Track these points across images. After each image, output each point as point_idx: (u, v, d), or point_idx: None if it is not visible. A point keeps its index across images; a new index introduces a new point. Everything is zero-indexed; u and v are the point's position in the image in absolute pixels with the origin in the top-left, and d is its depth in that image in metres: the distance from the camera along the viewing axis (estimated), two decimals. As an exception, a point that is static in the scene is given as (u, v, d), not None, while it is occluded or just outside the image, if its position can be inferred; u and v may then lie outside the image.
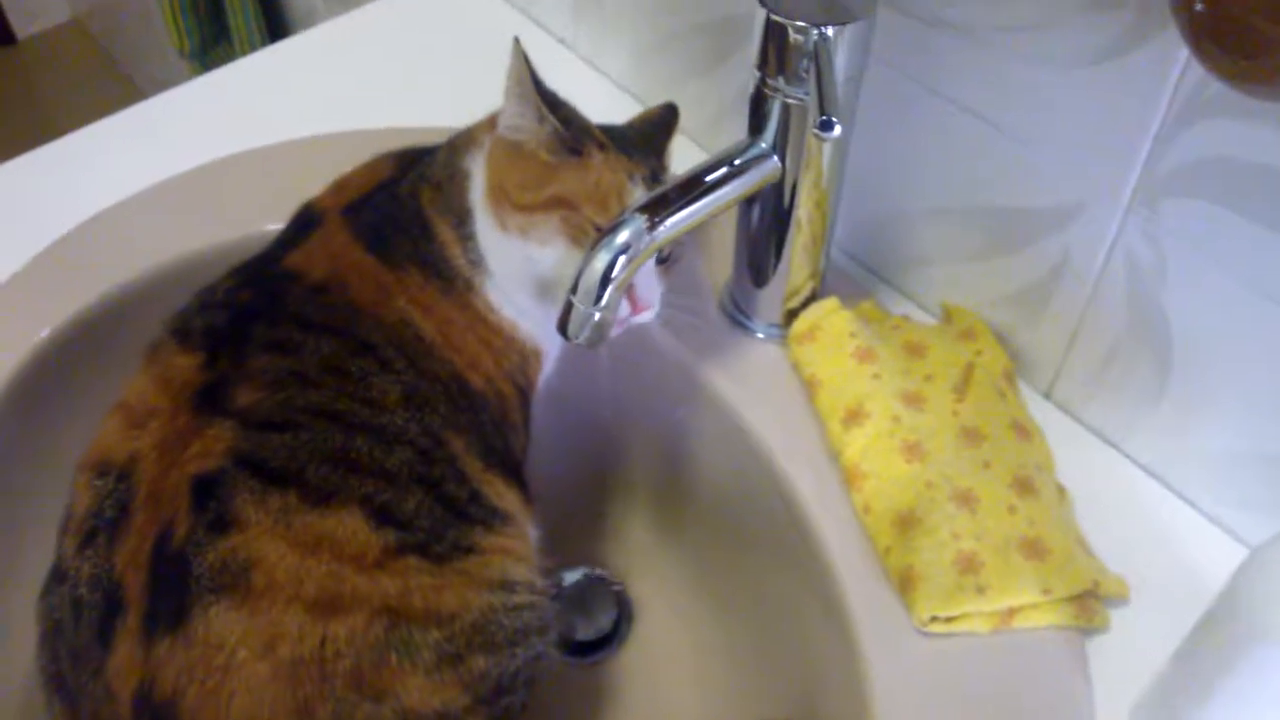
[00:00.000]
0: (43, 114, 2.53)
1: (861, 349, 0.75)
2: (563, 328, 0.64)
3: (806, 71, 0.62)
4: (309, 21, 1.49)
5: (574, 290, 0.63)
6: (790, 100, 0.65)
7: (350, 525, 0.60)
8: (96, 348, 0.79)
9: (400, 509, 0.62)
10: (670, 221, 0.63)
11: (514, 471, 0.72)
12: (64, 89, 2.56)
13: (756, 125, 0.67)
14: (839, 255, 0.85)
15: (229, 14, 1.50)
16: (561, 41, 1.04)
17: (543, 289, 0.69)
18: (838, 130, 0.56)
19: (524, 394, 0.74)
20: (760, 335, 0.80)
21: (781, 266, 0.75)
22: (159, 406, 0.63)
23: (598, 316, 0.63)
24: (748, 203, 0.73)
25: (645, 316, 0.70)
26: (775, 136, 0.67)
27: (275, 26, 1.56)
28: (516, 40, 0.66)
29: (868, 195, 0.80)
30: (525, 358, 0.73)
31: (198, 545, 0.57)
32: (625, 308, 0.69)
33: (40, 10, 2.67)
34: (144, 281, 0.82)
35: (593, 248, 0.62)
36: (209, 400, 0.62)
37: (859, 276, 0.85)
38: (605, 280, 0.62)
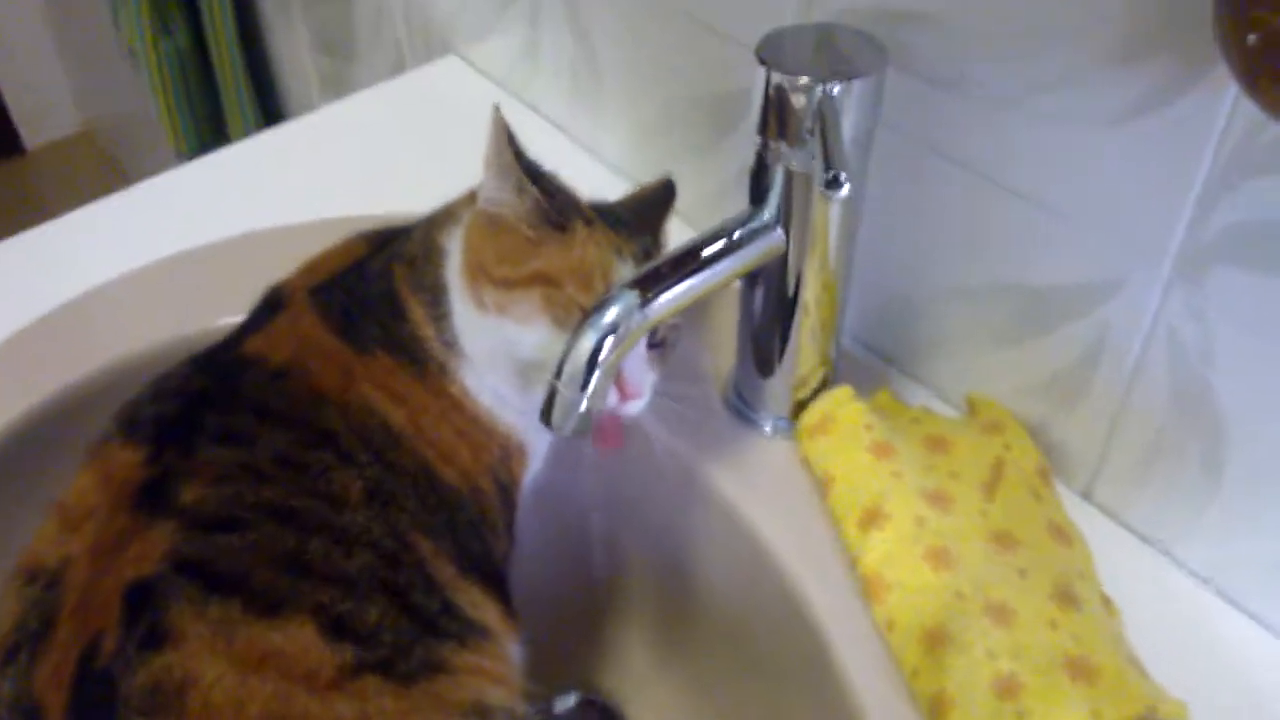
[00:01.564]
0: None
1: (879, 443, 0.68)
2: (545, 416, 0.57)
3: (811, 133, 0.56)
4: (307, 119, 1.47)
5: (557, 374, 0.57)
6: (794, 167, 0.59)
7: (301, 639, 0.53)
8: (43, 450, 0.73)
9: (360, 621, 0.55)
10: (664, 299, 0.57)
11: (494, 580, 0.64)
12: (72, 198, 2.54)
13: (758, 196, 0.62)
14: (850, 342, 0.79)
15: (226, 112, 1.48)
16: (558, 126, 1.00)
17: (524, 374, 0.63)
18: (846, 189, 0.50)
19: (506, 493, 0.67)
20: (767, 429, 0.73)
21: (788, 353, 0.69)
22: (96, 505, 0.56)
23: (584, 405, 0.56)
24: (750, 284, 0.68)
25: (634, 407, 0.64)
26: (779, 208, 0.61)
27: (273, 123, 1.54)
28: (496, 108, 0.61)
29: (880, 275, 0.75)
30: (507, 451, 0.67)
31: (126, 663, 0.50)
32: (613, 395, 0.63)
33: (49, 121, 2.68)
34: (100, 378, 0.76)
35: (579, 327, 0.56)
36: (151, 498, 0.56)
37: (873, 365, 0.78)
38: (592, 364, 0.56)
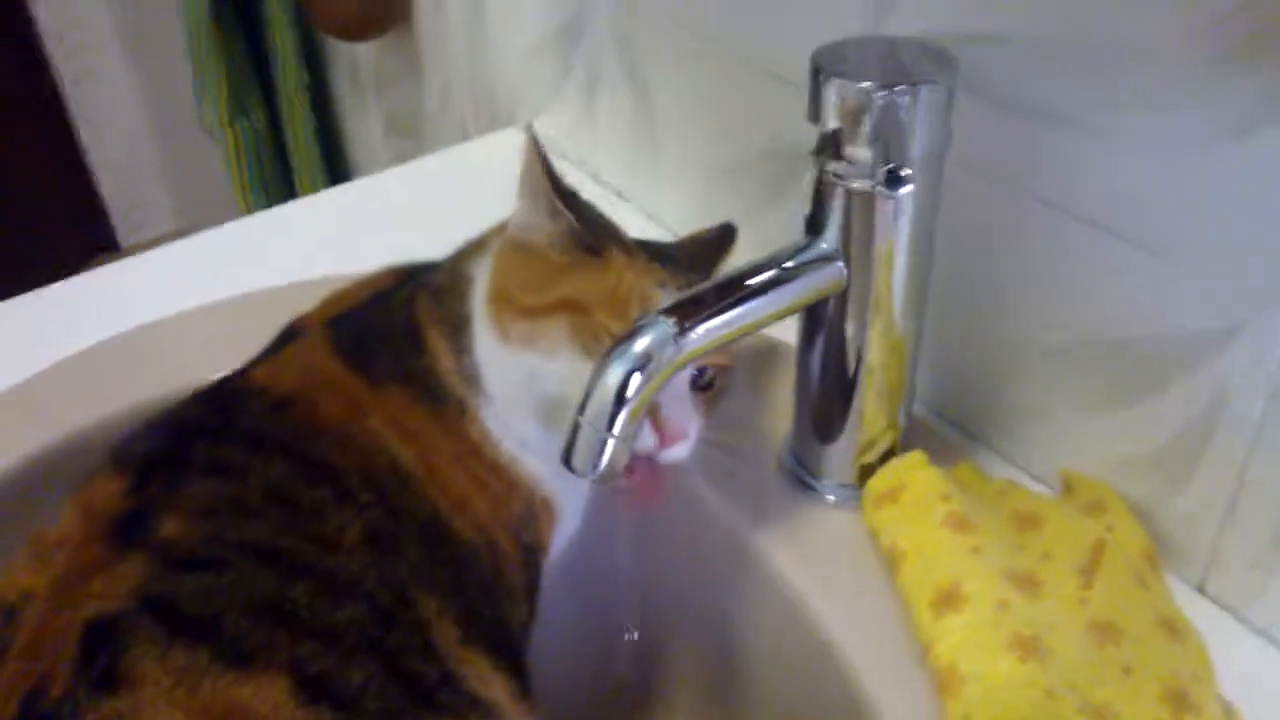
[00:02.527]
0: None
1: (956, 515, 0.59)
2: (567, 457, 0.51)
3: (873, 142, 0.50)
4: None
5: (582, 409, 0.50)
6: (856, 187, 0.53)
7: (272, 696, 0.46)
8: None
9: (341, 682, 0.48)
10: (704, 328, 0.51)
11: (507, 653, 0.57)
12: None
13: (816, 223, 0.55)
14: (922, 409, 0.71)
15: (299, 191, 1.48)
16: (619, 194, 0.95)
17: (551, 417, 0.56)
18: (909, 187, 0.44)
19: (529, 555, 0.60)
20: (830, 498, 0.65)
21: (853, 412, 0.62)
22: (69, 536, 0.51)
23: (611, 445, 0.50)
24: (808, 332, 0.60)
25: (675, 453, 0.57)
26: (840, 237, 0.55)
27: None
28: (530, 127, 0.57)
29: (956, 332, 0.67)
30: (532, 508, 0.59)
31: (74, 708, 0.44)
32: (650, 438, 0.56)
33: (146, 221, 2.75)
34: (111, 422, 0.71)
35: (605, 357, 0.50)
36: (127, 530, 0.50)
37: (947, 436, 0.70)
38: (620, 399, 0.49)
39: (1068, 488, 0.65)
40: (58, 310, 0.83)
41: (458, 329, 0.59)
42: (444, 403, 0.58)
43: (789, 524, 0.64)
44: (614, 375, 0.49)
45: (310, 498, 0.52)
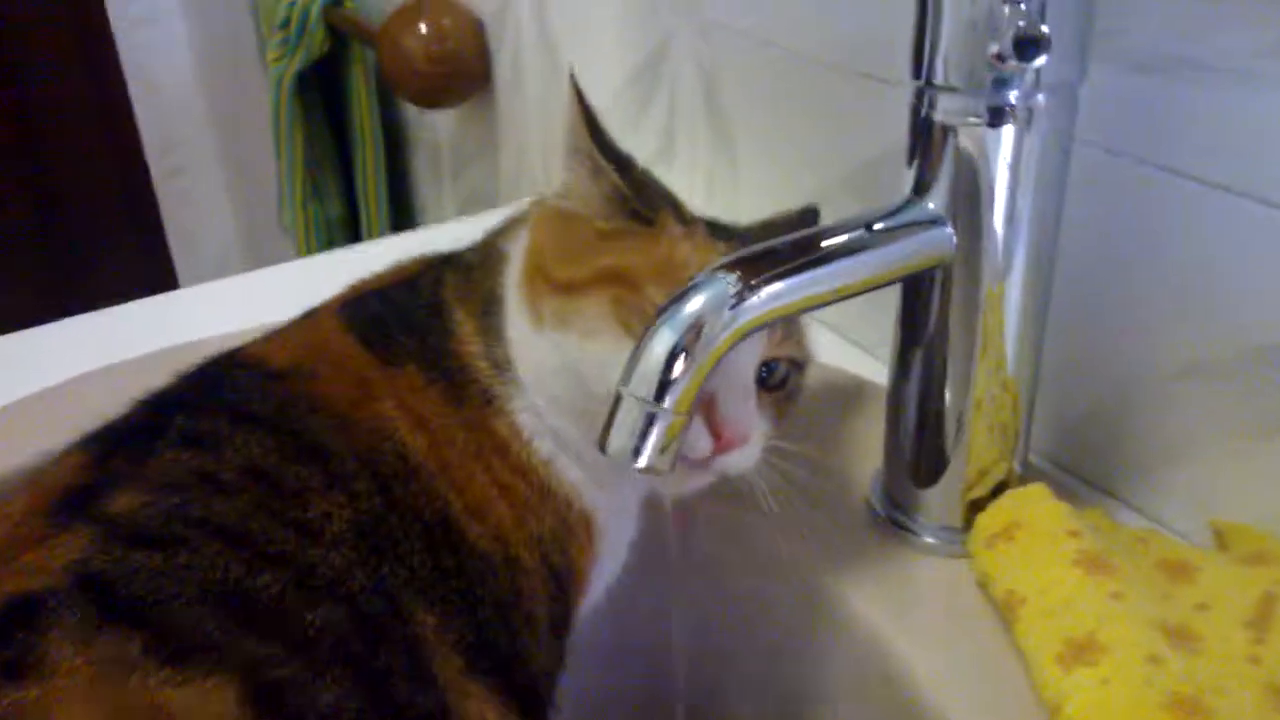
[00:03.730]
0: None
1: (1090, 555, 0.48)
2: (603, 441, 0.41)
3: (1001, 60, 0.41)
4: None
5: (624, 380, 0.41)
6: (971, 124, 0.44)
7: (212, 703, 0.37)
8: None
9: (304, 698, 0.38)
10: (772, 290, 0.42)
11: (523, 698, 0.46)
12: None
13: (920, 180, 0.47)
14: (1037, 459, 0.60)
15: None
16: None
17: (594, 414, 0.47)
18: (1043, 58, 0.35)
19: (561, 584, 0.50)
20: (929, 540, 0.54)
21: (960, 434, 0.51)
22: (12, 510, 0.43)
23: (658, 422, 0.40)
24: (907, 330, 0.51)
25: (738, 458, 0.47)
26: (949, 197, 0.46)
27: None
28: (572, 76, 0.49)
29: (1074, 358, 0.57)
30: (567, 525, 0.50)
31: None
32: (705, 438, 0.46)
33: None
34: None
35: (654, 321, 0.41)
36: (77, 503, 0.42)
37: (1066, 485, 0.58)
38: (670, 363, 0.40)
39: (1221, 541, 0.53)
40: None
41: (488, 309, 0.51)
42: (467, 390, 0.49)
43: (881, 573, 0.53)
44: (663, 340, 0.41)
45: (295, 477, 0.44)
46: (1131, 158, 0.52)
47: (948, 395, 0.51)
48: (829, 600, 0.53)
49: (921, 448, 0.53)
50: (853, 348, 0.72)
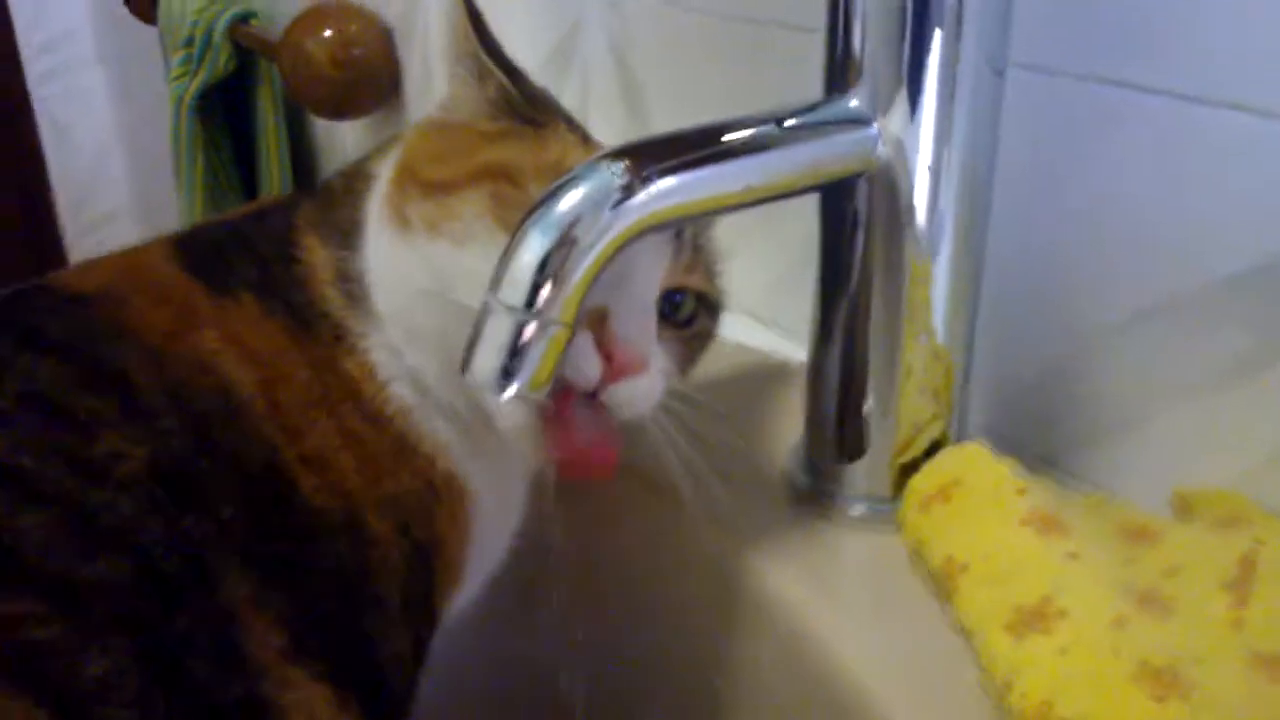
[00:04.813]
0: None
1: (1041, 514, 0.41)
2: (466, 361, 0.34)
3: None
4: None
5: (492, 286, 0.34)
6: None
7: None
8: None
9: (64, 668, 0.30)
10: (667, 184, 0.35)
11: (367, 693, 0.38)
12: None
13: (839, 73, 0.40)
14: (977, 434, 0.53)
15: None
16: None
17: (458, 342, 0.39)
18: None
19: (422, 560, 0.42)
20: (856, 511, 0.47)
21: (889, 385, 0.45)
22: None
23: (534, 335, 0.33)
24: (828, 260, 0.44)
25: (633, 391, 0.40)
26: (871, 93, 0.40)
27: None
28: None
29: (1015, 322, 0.51)
30: (433, 488, 0.42)
31: None
32: (593, 360, 0.39)
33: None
34: None
35: (525, 219, 0.34)
36: None
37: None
38: (546, 264, 0.34)
39: (1186, 510, 0.46)
40: None
41: (346, 235, 0.44)
42: (314, 325, 0.42)
43: (802, 550, 0.46)
44: (540, 235, 0.34)
45: (84, 409, 0.36)
46: (1069, 75, 0.46)
47: (873, 356, 0.44)
48: (747, 584, 0.46)
49: (846, 413, 0.47)
50: (768, 331, 0.66)
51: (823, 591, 0.43)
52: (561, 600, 0.44)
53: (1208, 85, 0.42)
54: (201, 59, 1.29)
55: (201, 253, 0.43)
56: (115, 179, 1.93)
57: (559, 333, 0.34)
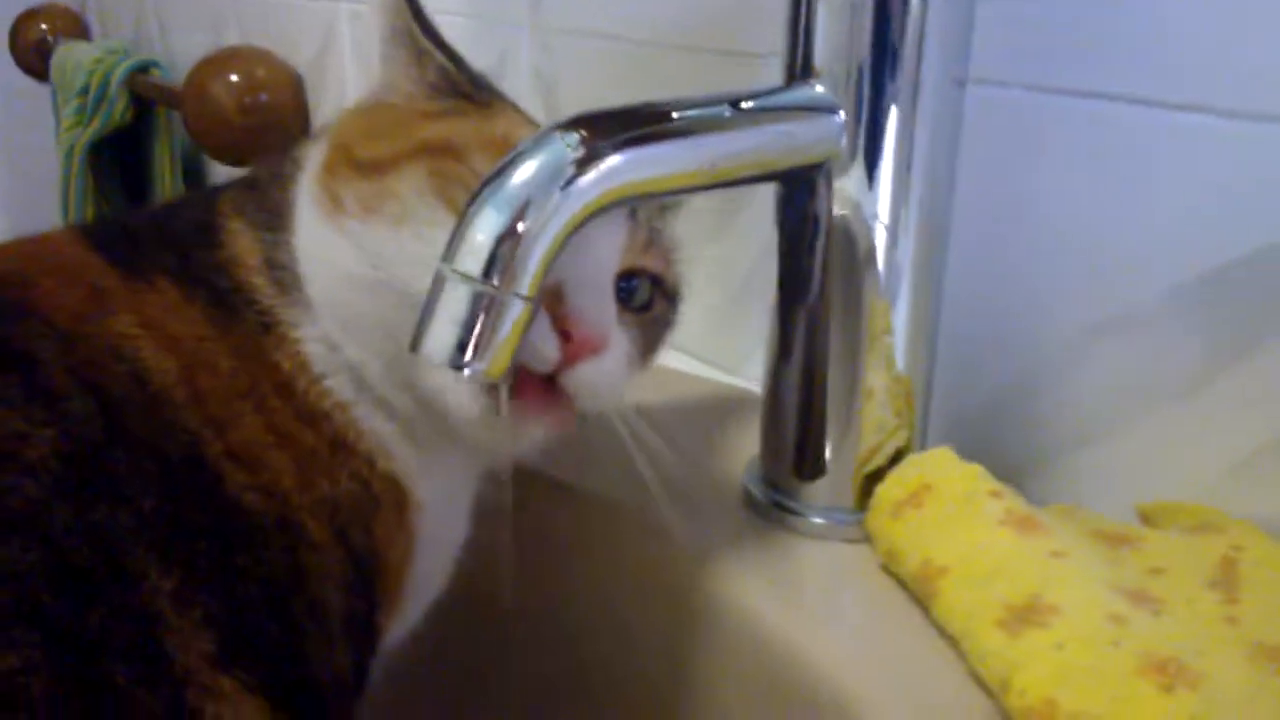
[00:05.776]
0: None
1: (1019, 515, 0.40)
2: (418, 337, 0.31)
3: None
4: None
5: (447, 256, 0.31)
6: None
7: None
8: None
9: None
10: (625, 157, 0.33)
11: (297, 703, 0.34)
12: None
13: (803, 60, 0.39)
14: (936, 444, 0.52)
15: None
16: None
17: (399, 339, 0.36)
18: None
19: (360, 566, 0.37)
20: (818, 521, 0.44)
21: (854, 397, 0.43)
22: None
23: (493, 307, 0.31)
24: (789, 257, 0.43)
25: (594, 373, 0.37)
26: (836, 79, 0.39)
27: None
28: None
29: (974, 339, 0.50)
30: (370, 491, 0.38)
31: None
32: (550, 340, 0.36)
33: None
34: None
35: (481, 188, 0.32)
36: None
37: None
38: (504, 236, 0.31)
39: (1152, 524, 0.45)
40: None
41: (273, 219, 0.40)
42: (240, 313, 0.38)
43: (766, 565, 0.43)
44: (492, 210, 0.31)
45: None
46: (1021, 86, 0.46)
47: (832, 384, 0.43)
48: (708, 598, 0.42)
49: (805, 437, 0.44)
50: (708, 369, 0.64)
51: (790, 603, 0.41)
52: (511, 617, 0.40)
53: (1164, 87, 0.42)
54: (96, 109, 1.24)
55: (114, 238, 0.39)
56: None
57: (523, 308, 0.31)
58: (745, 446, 0.50)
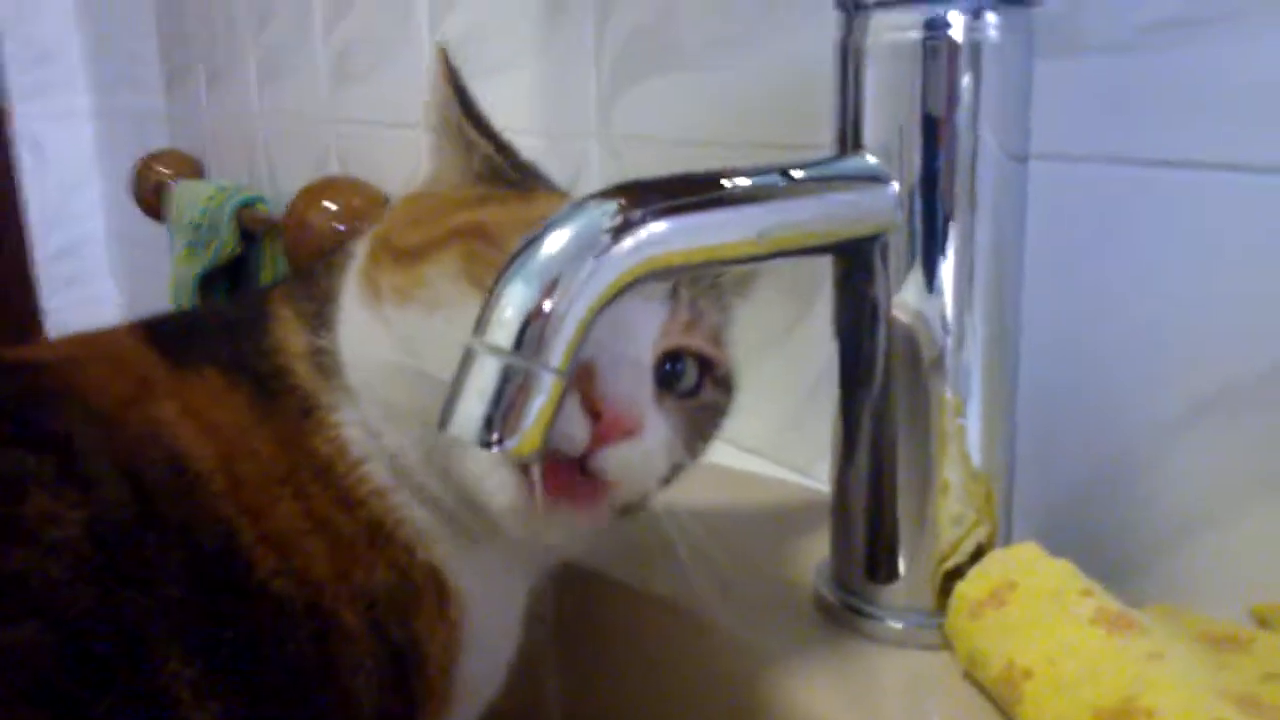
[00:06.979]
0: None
1: (1112, 613, 0.36)
2: (446, 414, 0.30)
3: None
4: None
5: (477, 330, 0.31)
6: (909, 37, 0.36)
7: None
8: None
9: None
10: (664, 224, 0.32)
11: None
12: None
13: (852, 130, 0.38)
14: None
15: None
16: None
17: (435, 420, 0.35)
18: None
19: (400, 664, 0.36)
20: (895, 625, 0.41)
21: (929, 493, 0.40)
22: None
23: (524, 381, 0.30)
24: (851, 363, 0.41)
25: (627, 455, 0.35)
26: (889, 148, 0.37)
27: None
28: (440, 48, 0.42)
29: (1057, 427, 0.47)
30: (410, 581, 0.37)
31: None
32: (579, 420, 0.34)
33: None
34: None
35: (512, 259, 0.31)
36: None
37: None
38: (535, 307, 0.30)
39: (1268, 626, 0.41)
40: None
41: (320, 307, 0.40)
42: (282, 399, 0.38)
43: (838, 669, 0.40)
44: (521, 283, 0.31)
45: (16, 462, 0.31)
46: (1099, 159, 0.44)
47: (902, 483, 0.40)
48: (776, 708, 0.39)
49: (877, 538, 0.42)
50: (779, 469, 0.61)
51: (864, 714, 0.37)
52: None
53: (1241, 149, 0.40)
54: (207, 244, 1.30)
55: (170, 330, 0.40)
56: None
57: (554, 382, 0.30)
58: (816, 549, 0.47)
